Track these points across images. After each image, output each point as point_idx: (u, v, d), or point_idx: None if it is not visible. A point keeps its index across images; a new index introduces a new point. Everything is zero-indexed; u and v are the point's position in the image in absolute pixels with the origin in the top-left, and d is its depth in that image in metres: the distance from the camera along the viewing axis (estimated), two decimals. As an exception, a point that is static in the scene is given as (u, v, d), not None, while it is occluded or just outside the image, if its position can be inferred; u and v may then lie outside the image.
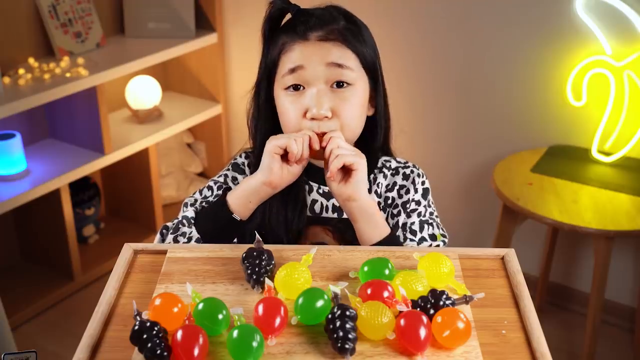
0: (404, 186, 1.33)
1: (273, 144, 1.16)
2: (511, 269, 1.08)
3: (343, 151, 1.16)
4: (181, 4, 2.97)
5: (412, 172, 1.34)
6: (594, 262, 2.19)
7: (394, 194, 1.33)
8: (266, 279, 1.01)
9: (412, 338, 0.89)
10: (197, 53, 3.11)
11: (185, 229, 1.20)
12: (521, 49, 2.48)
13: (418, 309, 0.95)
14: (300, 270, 1.01)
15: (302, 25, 1.21)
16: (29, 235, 2.82)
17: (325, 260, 1.09)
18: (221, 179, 1.33)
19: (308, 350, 0.91)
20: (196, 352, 0.86)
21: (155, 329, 0.88)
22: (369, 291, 0.97)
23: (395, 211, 1.31)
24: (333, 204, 1.31)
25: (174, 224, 1.22)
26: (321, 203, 1.31)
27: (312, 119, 1.20)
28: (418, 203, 1.31)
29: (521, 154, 2.48)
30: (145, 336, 0.87)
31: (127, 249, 1.12)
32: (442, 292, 0.95)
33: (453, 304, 0.95)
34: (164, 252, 1.11)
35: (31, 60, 2.62)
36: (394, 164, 1.36)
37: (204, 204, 1.28)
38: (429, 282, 1.00)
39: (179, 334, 0.87)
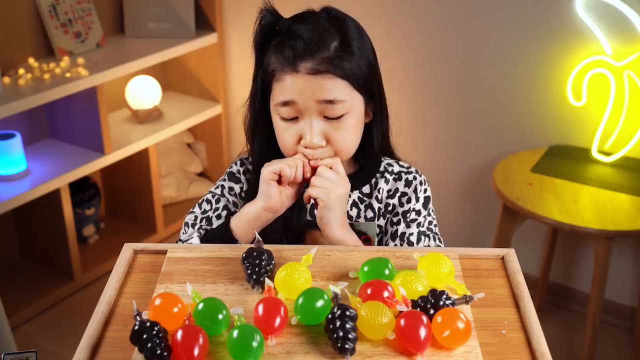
0: (406, 194, 1.32)
1: (268, 171, 1.18)
2: (511, 269, 1.08)
3: (318, 182, 1.18)
4: (181, 4, 2.97)
5: (414, 178, 1.33)
6: (594, 262, 2.19)
7: (395, 201, 1.32)
8: (266, 279, 1.01)
9: (412, 338, 0.89)
10: (197, 53, 3.11)
11: None
12: (521, 49, 2.48)
13: (418, 309, 0.95)
14: (300, 270, 1.01)
15: (291, 50, 1.17)
16: (29, 235, 2.82)
17: (325, 260, 1.09)
18: (218, 191, 1.34)
19: (308, 350, 0.91)
20: (196, 352, 0.86)
21: (155, 329, 0.88)
22: (369, 291, 0.97)
23: (395, 219, 1.30)
24: None
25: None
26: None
27: (306, 147, 1.21)
28: (418, 213, 1.30)
29: (521, 154, 2.48)
30: (145, 336, 0.87)
31: (127, 249, 1.12)
32: (442, 292, 0.95)
33: (453, 304, 0.95)
34: (164, 252, 1.12)
35: (31, 60, 2.62)
36: (396, 168, 1.34)
37: (204, 221, 1.29)
38: (429, 282, 1.00)
39: (179, 334, 0.87)
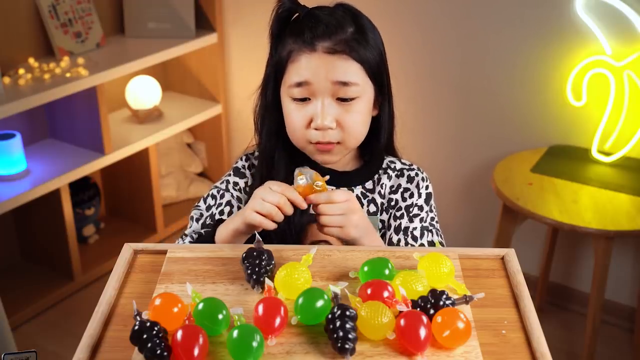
0: (408, 189, 1.33)
1: (252, 216, 1.11)
2: (511, 269, 1.08)
3: (329, 220, 1.13)
4: (181, 4, 2.97)
5: (417, 174, 1.35)
6: (594, 262, 2.19)
7: (398, 196, 1.33)
8: (266, 279, 1.01)
9: (412, 338, 0.89)
10: (197, 53, 3.11)
11: None
12: (521, 49, 2.48)
13: (418, 309, 0.95)
14: (300, 270, 1.01)
15: (309, 32, 1.21)
16: (29, 235, 2.82)
17: (325, 260, 1.09)
18: (223, 186, 1.34)
19: (308, 350, 0.91)
20: (196, 352, 0.86)
21: (155, 329, 0.88)
22: (369, 291, 0.97)
23: (398, 214, 1.32)
24: None
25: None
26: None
27: (317, 129, 1.22)
28: (421, 208, 1.32)
29: (521, 154, 2.48)
30: (145, 336, 0.87)
31: (127, 249, 1.12)
32: (442, 292, 0.95)
33: (453, 304, 0.95)
34: (164, 252, 1.12)
35: (31, 60, 2.62)
36: (398, 165, 1.36)
37: (208, 219, 1.30)
38: (429, 282, 1.00)
39: (179, 334, 0.87)
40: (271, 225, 1.12)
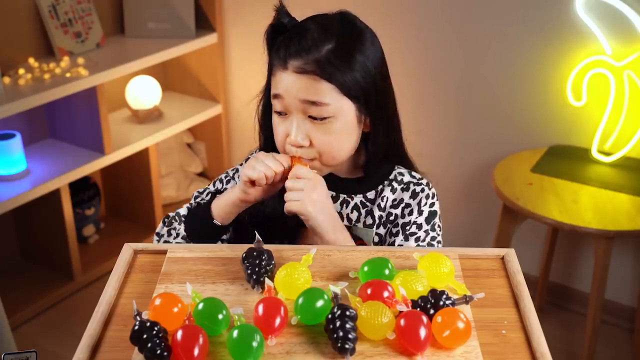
0: (409, 205, 1.29)
1: (243, 173, 1.20)
2: (511, 269, 1.08)
3: (290, 195, 1.17)
4: (181, 4, 2.97)
5: (422, 191, 1.31)
6: (594, 262, 2.19)
7: (398, 211, 1.29)
8: (266, 279, 1.01)
9: (412, 338, 0.89)
10: (197, 53, 3.11)
11: (176, 225, 1.28)
12: (521, 49, 2.48)
13: (418, 309, 0.95)
14: (300, 270, 1.01)
15: (283, 50, 1.20)
16: (29, 235, 2.82)
17: (325, 260, 1.09)
18: (231, 172, 1.37)
19: (308, 350, 0.91)
20: (196, 352, 0.86)
21: (155, 329, 0.88)
22: (369, 291, 0.97)
23: (394, 230, 1.28)
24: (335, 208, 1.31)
25: (170, 217, 1.30)
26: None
27: (291, 144, 1.22)
28: (419, 227, 1.27)
29: (521, 154, 2.48)
30: (145, 336, 0.87)
31: (127, 249, 1.12)
32: (442, 292, 0.95)
33: (453, 304, 0.95)
34: (164, 252, 1.12)
35: (31, 60, 2.62)
36: (406, 178, 1.32)
37: (209, 195, 1.33)
38: (429, 282, 1.01)
39: (179, 334, 0.87)
40: (262, 179, 1.18)
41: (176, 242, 1.27)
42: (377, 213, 1.29)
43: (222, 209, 1.24)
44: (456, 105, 2.68)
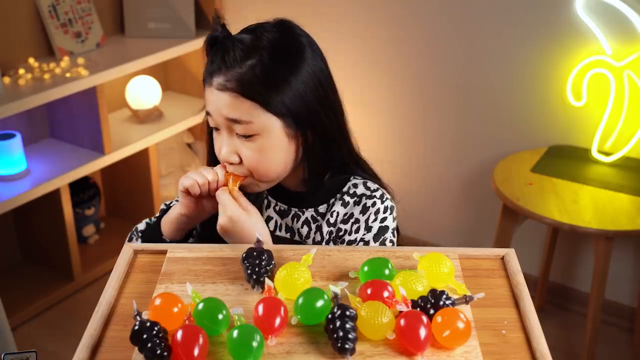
0: (358, 221, 1.24)
1: (180, 183, 1.20)
2: (511, 269, 1.08)
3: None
4: (181, 4, 2.97)
5: (373, 205, 1.24)
6: (594, 262, 2.19)
7: (348, 226, 1.24)
8: (266, 279, 1.01)
9: (412, 338, 0.89)
10: (197, 53, 3.11)
11: (134, 241, 1.28)
12: (521, 49, 2.48)
13: (418, 309, 0.94)
14: (300, 270, 1.01)
15: (209, 66, 1.17)
16: (29, 235, 2.82)
17: (325, 260, 1.09)
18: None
19: (308, 350, 0.91)
20: (196, 352, 0.86)
21: (155, 329, 0.88)
22: (369, 291, 0.97)
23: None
24: (286, 223, 1.29)
25: (131, 232, 1.30)
26: (275, 221, 1.30)
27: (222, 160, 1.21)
28: (367, 244, 1.22)
29: (521, 154, 2.48)
30: (145, 336, 0.87)
31: (127, 249, 1.12)
32: (442, 292, 0.95)
33: (453, 304, 0.95)
34: (164, 252, 1.12)
35: (31, 60, 2.62)
36: (360, 190, 1.26)
37: (161, 212, 1.32)
38: (429, 282, 1.00)
39: (179, 334, 0.87)
40: (196, 189, 1.18)
41: None
42: (325, 229, 1.25)
43: (168, 225, 1.24)
44: (456, 105, 2.68)
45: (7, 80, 2.49)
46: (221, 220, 1.16)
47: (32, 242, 2.82)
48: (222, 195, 1.17)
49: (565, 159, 2.42)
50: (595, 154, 2.39)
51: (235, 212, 1.15)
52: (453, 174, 2.76)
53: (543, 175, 2.34)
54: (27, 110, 2.53)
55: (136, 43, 2.93)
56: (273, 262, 1.05)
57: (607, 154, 2.38)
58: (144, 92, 2.98)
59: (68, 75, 2.55)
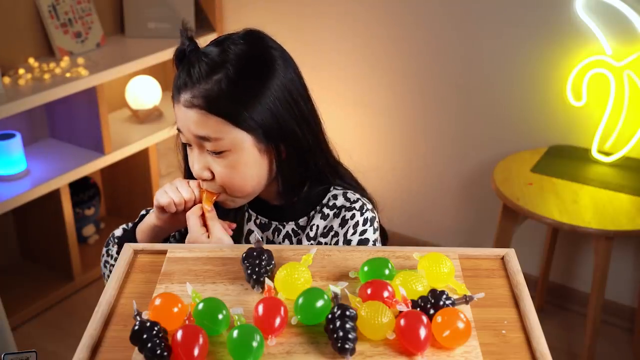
0: (337, 234, 1.22)
1: (155, 199, 1.19)
2: (511, 269, 1.08)
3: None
4: (181, 4, 2.97)
5: (352, 217, 1.22)
6: (594, 262, 2.19)
7: (327, 239, 1.23)
8: (266, 279, 1.01)
9: (412, 338, 0.89)
10: (197, 53, 3.11)
11: (111, 247, 1.28)
12: (521, 49, 2.48)
13: (418, 309, 0.94)
14: (300, 270, 1.01)
15: (176, 81, 1.15)
16: (29, 235, 2.82)
17: (325, 260, 1.09)
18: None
19: (308, 350, 0.91)
20: (196, 352, 0.86)
21: (155, 329, 0.88)
22: (369, 291, 0.97)
23: None
24: (267, 236, 1.28)
25: (108, 238, 1.30)
26: (255, 235, 1.29)
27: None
28: None
29: (521, 154, 2.48)
30: (145, 336, 0.87)
31: (127, 249, 1.12)
32: (442, 292, 0.95)
33: (453, 304, 0.95)
34: (164, 252, 1.12)
35: (31, 60, 2.62)
36: (339, 202, 1.23)
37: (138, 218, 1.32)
38: (429, 282, 1.00)
39: (179, 334, 0.87)
40: (172, 207, 1.18)
41: (113, 263, 1.26)
42: (305, 242, 1.24)
43: (142, 233, 1.24)
44: (456, 105, 2.68)
45: (7, 80, 2.49)
46: (186, 241, 1.18)
47: (32, 242, 2.82)
48: (190, 219, 1.17)
49: (565, 159, 2.42)
50: (595, 154, 2.39)
51: (193, 237, 1.16)
52: (453, 174, 2.76)
53: (543, 175, 2.34)
54: (27, 110, 2.53)
55: (136, 43, 2.93)
56: (273, 262, 1.05)
57: (607, 154, 2.38)
58: (144, 92, 2.98)
59: (68, 75, 2.55)
